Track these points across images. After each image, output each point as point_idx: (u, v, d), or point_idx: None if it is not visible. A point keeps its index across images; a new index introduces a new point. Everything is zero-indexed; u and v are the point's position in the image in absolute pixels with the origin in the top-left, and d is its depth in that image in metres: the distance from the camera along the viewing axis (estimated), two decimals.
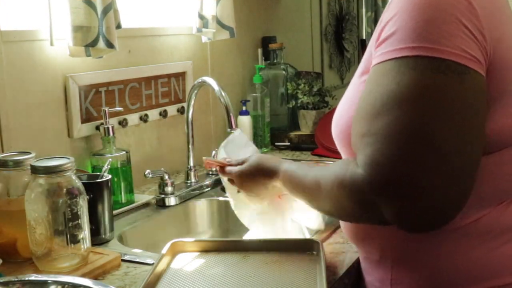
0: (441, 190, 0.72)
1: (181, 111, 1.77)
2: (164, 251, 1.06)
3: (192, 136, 1.62)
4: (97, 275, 1.04)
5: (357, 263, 1.06)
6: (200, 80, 1.55)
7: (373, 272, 0.97)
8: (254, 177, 1.10)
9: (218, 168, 1.20)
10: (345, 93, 0.95)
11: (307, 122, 2.14)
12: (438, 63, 0.73)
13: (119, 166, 1.42)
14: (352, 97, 0.90)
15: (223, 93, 1.48)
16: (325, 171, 0.88)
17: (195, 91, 1.58)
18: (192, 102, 1.58)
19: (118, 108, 1.52)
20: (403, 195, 0.72)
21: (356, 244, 1.01)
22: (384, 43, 0.78)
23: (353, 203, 0.79)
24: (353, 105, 0.87)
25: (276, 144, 2.11)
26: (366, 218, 0.84)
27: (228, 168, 1.16)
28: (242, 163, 1.14)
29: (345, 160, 0.84)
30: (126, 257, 1.12)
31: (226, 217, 1.54)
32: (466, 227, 0.83)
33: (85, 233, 1.04)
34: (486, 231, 0.85)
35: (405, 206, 0.73)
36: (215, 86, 1.49)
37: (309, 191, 0.93)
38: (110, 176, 1.23)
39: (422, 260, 0.88)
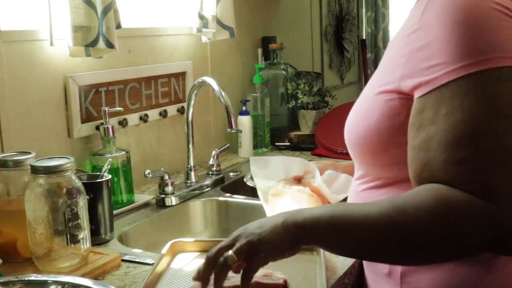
0: None
1: (181, 111, 1.77)
2: (164, 251, 1.06)
3: (192, 136, 1.62)
4: (97, 275, 1.04)
5: (357, 263, 1.06)
6: (200, 80, 1.55)
7: (379, 286, 0.95)
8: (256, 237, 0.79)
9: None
10: (358, 102, 0.92)
11: (307, 122, 2.14)
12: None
13: (119, 166, 1.42)
14: (368, 107, 0.87)
15: (223, 93, 1.48)
16: (405, 199, 0.73)
17: (195, 91, 1.58)
18: (192, 102, 1.58)
19: (118, 108, 1.52)
20: None
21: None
22: (437, 66, 0.72)
23: (477, 235, 0.69)
24: (369, 115, 0.85)
25: (276, 144, 2.11)
26: (471, 252, 0.74)
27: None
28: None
29: (426, 187, 0.72)
30: (126, 257, 1.12)
31: (226, 217, 1.54)
32: None
33: (85, 233, 1.04)
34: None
35: None
36: (215, 86, 1.49)
37: (376, 228, 0.73)
38: (110, 176, 1.23)
39: (433, 276, 0.85)
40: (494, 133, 0.68)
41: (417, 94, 0.77)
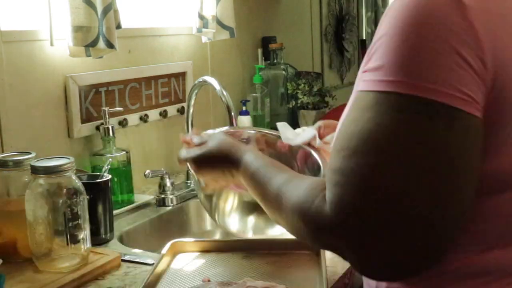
0: (408, 240, 0.66)
1: (181, 111, 1.77)
2: (164, 251, 1.06)
3: None
4: (97, 275, 1.04)
5: None
6: (201, 80, 1.55)
7: None
8: (212, 163, 1.00)
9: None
10: (347, 107, 0.89)
11: (307, 122, 2.14)
12: (424, 105, 0.63)
13: (119, 166, 1.42)
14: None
15: (224, 93, 1.48)
16: (290, 187, 0.80)
17: (196, 91, 1.58)
18: (192, 102, 1.58)
19: (118, 108, 1.52)
20: (364, 242, 0.67)
21: None
22: (373, 70, 0.69)
23: (312, 237, 0.75)
24: None
25: None
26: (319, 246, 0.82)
27: (185, 151, 1.05)
28: (202, 144, 1.03)
29: (314, 185, 0.76)
30: (126, 257, 1.12)
31: None
32: (461, 267, 0.75)
33: (85, 233, 1.04)
34: (488, 272, 0.75)
35: (365, 255, 0.68)
36: (217, 86, 1.49)
37: (268, 200, 0.86)
38: (110, 176, 1.23)
39: None
40: (363, 158, 0.66)
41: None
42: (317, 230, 0.72)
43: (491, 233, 0.72)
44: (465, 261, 0.74)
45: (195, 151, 1.02)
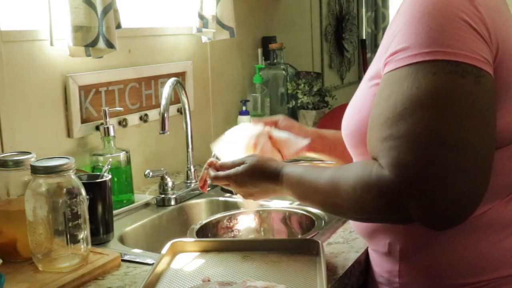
0: (463, 186, 0.74)
1: (181, 111, 1.76)
2: (164, 251, 1.06)
3: (192, 136, 1.62)
4: (97, 275, 1.03)
5: (357, 263, 1.06)
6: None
7: (381, 264, 1.00)
8: (252, 180, 1.05)
9: (209, 174, 1.12)
10: (354, 96, 0.98)
11: (307, 122, 2.14)
12: (455, 66, 0.76)
13: (119, 166, 1.42)
14: (361, 100, 0.94)
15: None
16: (343, 172, 0.87)
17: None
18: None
19: (118, 108, 1.52)
20: (430, 194, 0.74)
21: (365, 238, 1.05)
22: (399, 52, 0.80)
23: (378, 204, 0.80)
24: (362, 108, 0.91)
25: None
26: (387, 218, 0.85)
27: (221, 173, 1.09)
28: (239, 164, 1.07)
29: (365, 161, 0.84)
30: (126, 257, 1.12)
31: None
32: (473, 220, 0.85)
33: (85, 233, 1.04)
34: (491, 225, 0.89)
35: (431, 204, 0.75)
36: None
37: (323, 193, 0.91)
38: (110, 176, 1.23)
39: (429, 253, 0.92)
40: (412, 119, 0.76)
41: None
42: (383, 194, 0.78)
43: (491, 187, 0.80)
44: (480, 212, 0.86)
45: (234, 170, 1.06)
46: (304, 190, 0.96)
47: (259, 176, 1.04)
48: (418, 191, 0.74)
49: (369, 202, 0.80)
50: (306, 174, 0.96)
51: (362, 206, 0.83)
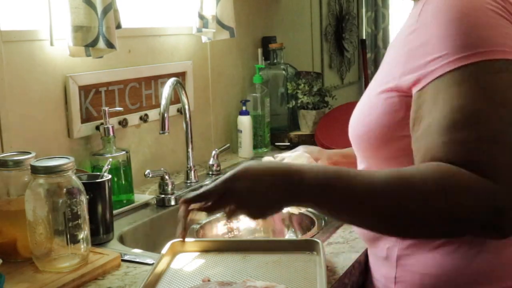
0: None
1: (181, 111, 1.76)
2: (164, 251, 1.06)
3: (192, 136, 1.62)
4: (97, 275, 1.04)
5: (357, 263, 1.06)
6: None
7: (379, 268, 1.01)
8: (246, 182, 0.79)
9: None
10: (359, 105, 0.97)
11: (307, 122, 2.14)
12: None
13: (119, 166, 1.42)
14: (369, 106, 0.92)
15: None
16: (412, 171, 0.75)
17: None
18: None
19: (118, 108, 1.52)
20: None
21: (367, 242, 1.05)
22: (439, 58, 0.77)
23: (477, 207, 0.72)
24: (371, 112, 0.90)
25: (276, 144, 2.11)
26: (473, 227, 0.74)
27: (194, 193, 0.86)
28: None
29: (439, 164, 0.73)
30: (126, 257, 1.12)
31: None
32: None
33: (85, 233, 1.04)
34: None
35: None
36: None
37: (384, 197, 0.73)
38: (110, 176, 1.23)
39: (425, 260, 0.90)
40: (488, 118, 0.72)
41: (415, 89, 0.81)
42: (485, 197, 0.71)
43: None
44: None
45: (215, 182, 0.83)
46: (344, 194, 0.75)
47: (258, 175, 0.79)
48: None
49: (466, 204, 0.71)
50: (344, 173, 0.76)
51: (451, 210, 0.71)
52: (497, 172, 0.71)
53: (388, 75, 0.88)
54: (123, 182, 1.44)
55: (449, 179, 0.71)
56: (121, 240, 1.27)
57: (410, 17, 0.89)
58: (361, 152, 0.97)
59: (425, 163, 0.75)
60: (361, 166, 1.01)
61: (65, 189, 1.01)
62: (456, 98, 0.74)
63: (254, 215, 0.83)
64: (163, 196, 1.50)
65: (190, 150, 1.62)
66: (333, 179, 0.76)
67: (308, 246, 1.06)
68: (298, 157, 1.18)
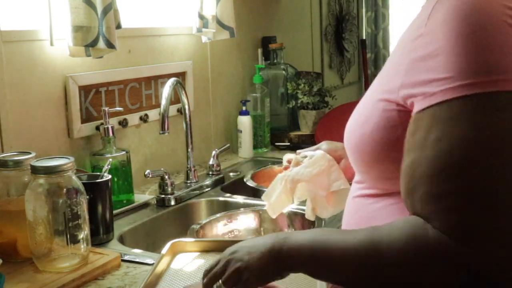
0: None
1: (181, 111, 1.76)
2: (164, 251, 1.06)
3: (191, 136, 1.62)
4: (97, 275, 1.04)
5: None
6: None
7: None
8: (243, 248, 0.83)
9: None
10: (358, 107, 0.88)
11: (307, 122, 2.14)
12: None
13: (119, 166, 1.42)
14: (365, 114, 0.83)
15: None
16: (384, 232, 0.71)
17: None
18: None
19: (118, 108, 1.52)
20: (504, 259, 0.63)
21: None
22: (442, 81, 0.67)
23: (438, 272, 0.66)
24: (365, 124, 0.81)
25: (276, 144, 2.11)
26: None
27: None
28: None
29: (411, 221, 0.69)
30: (126, 257, 1.12)
31: None
32: None
33: (85, 233, 1.04)
34: None
35: (505, 267, 0.63)
36: None
37: (356, 263, 0.72)
38: (110, 176, 1.23)
39: None
40: (476, 170, 0.62)
41: (414, 109, 0.72)
42: (447, 262, 0.64)
43: None
44: None
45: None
46: (321, 261, 0.77)
47: (251, 244, 0.83)
48: (496, 262, 0.62)
49: (428, 270, 0.66)
50: (317, 242, 0.77)
51: (413, 274, 0.68)
52: (470, 237, 0.63)
53: (389, 82, 0.79)
54: (123, 182, 1.44)
55: (416, 246, 0.66)
56: (121, 240, 1.27)
57: (420, 14, 0.77)
58: (354, 165, 0.88)
59: (399, 220, 0.72)
60: (356, 177, 0.93)
61: (65, 189, 1.01)
62: (447, 139, 0.65)
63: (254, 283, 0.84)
64: (163, 196, 1.50)
65: (190, 150, 1.62)
66: (314, 250, 0.77)
67: None
68: (318, 160, 1.13)
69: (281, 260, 0.79)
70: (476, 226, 0.62)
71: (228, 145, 1.78)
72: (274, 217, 1.13)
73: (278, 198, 1.09)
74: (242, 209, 1.43)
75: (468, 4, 0.67)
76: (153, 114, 1.67)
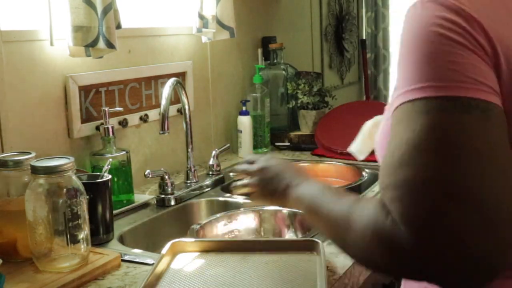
0: (480, 243, 0.64)
1: (181, 111, 1.76)
2: (164, 251, 1.06)
3: (191, 136, 1.62)
4: (97, 275, 1.04)
5: (357, 263, 1.06)
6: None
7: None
8: (272, 179, 1.08)
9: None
10: (385, 116, 0.89)
11: (307, 122, 2.14)
12: (453, 101, 0.65)
13: (119, 166, 1.42)
14: (385, 129, 0.84)
15: None
16: (358, 208, 0.76)
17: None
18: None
19: (118, 108, 1.52)
20: (444, 253, 0.64)
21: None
22: (395, 91, 0.73)
23: (387, 258, 0.69)
24: (381, 130, 0.86)
25: (276, 144, 2.11)
26: (395, 272, 0.75)
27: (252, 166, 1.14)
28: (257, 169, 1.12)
29: (381, 204, 0.71)
30: (126, 257, 1.12)
31: None
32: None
33: (85, 233, 1.04)
34: None
35: (448, 264, 0.64)
36: None
37: (333, 225, 0.82)
38: (110, 176, 1.23)
39: None
40: (411, 165, 0.66)
41: None
42: (396, 249, 0.67)
43: None
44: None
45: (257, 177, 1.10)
46: (312, 211, 0.90)
47: (277, 174, 1.06)
48: (430, 252, 0.64)
49: (375, 251, 0.70)
50: (317, 198, 0.90)
51: (366, 254, 0.73)
52: (410, 223, 0.65)
53: (395, 88, 0.78)
54: (123, 182, 1.44)
55: (374, 226, 0.70)
56: (121, 240, 1.27)
57: None
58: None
59: (372, 201, 0.75)
60: None
61: (65, 189, 1.01)
62: (393, 140, 0.71)
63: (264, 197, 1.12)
64: (163, 196, 1.50)
65: (190, 150, 1.62)
66: (309, 204, 0.92)
67: (308, 246, 1.06)
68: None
69: (286, 198, 1.01)
70: (414, 212, 0.66)
71: (228, 145, 1.78)
72: (361, 158, 1.21)
73: (363, 142, 1.19)
74: (242, 209, 1.43)
75: (407, 16, 0.74)
76: (153, 114, 1.67)
